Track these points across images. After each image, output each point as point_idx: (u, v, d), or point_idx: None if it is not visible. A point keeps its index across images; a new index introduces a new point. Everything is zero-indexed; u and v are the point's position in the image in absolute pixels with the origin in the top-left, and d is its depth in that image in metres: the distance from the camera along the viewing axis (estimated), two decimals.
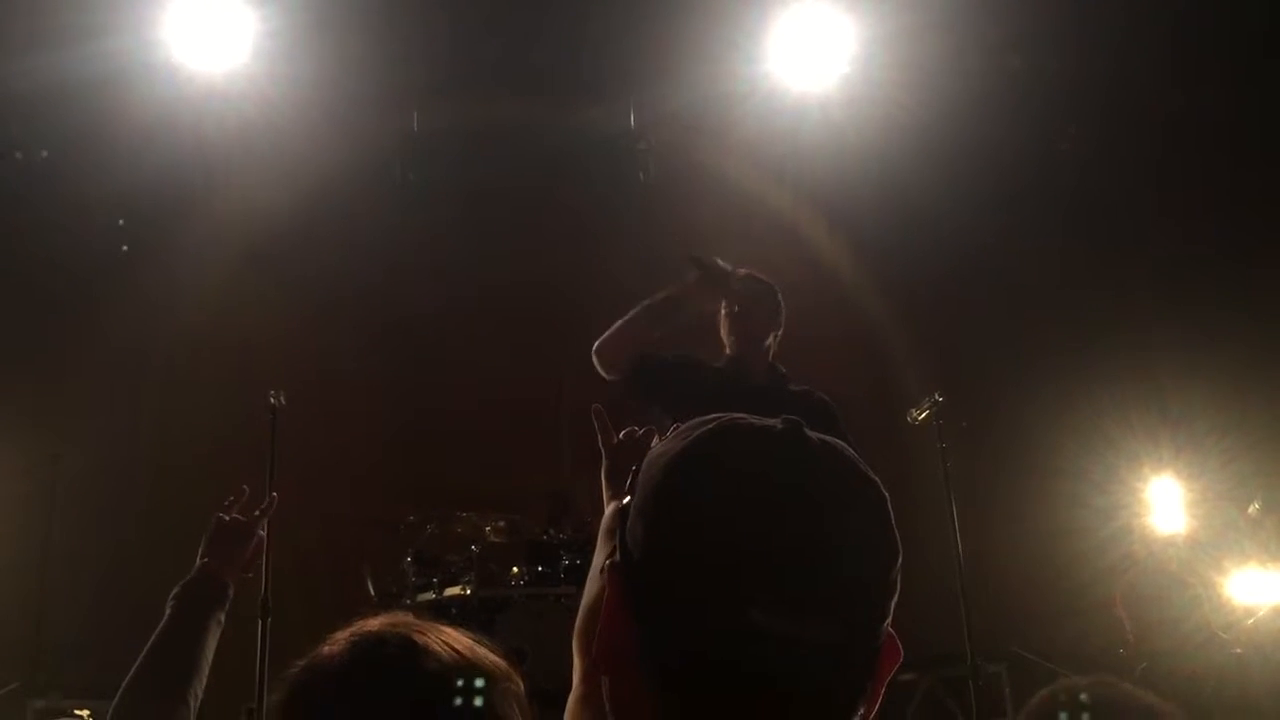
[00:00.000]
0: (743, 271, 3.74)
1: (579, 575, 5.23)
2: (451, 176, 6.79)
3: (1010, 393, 6.47)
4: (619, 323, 3.59)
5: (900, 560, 0.89)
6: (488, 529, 5.53)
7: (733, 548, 0.84)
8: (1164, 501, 5.89)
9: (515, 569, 5.33)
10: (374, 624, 1.25)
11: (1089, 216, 6.79)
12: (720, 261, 3.63)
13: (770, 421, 0.92)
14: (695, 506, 0.87)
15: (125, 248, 6.44)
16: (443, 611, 4.96)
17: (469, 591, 5.22)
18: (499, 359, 6.51)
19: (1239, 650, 4.89)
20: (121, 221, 6.40)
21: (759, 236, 6.56)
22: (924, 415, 4.40)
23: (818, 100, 6.41)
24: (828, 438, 0.92)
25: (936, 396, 4.37)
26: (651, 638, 0.87)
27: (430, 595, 5.27)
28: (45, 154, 6.07)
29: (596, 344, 3.59)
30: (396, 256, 6.70)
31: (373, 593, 5.37)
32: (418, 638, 1.21)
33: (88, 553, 6.13)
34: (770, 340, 3.73)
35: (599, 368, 3.57)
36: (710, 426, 0.93)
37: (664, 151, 6.77)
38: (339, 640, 1.22)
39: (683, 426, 0.95)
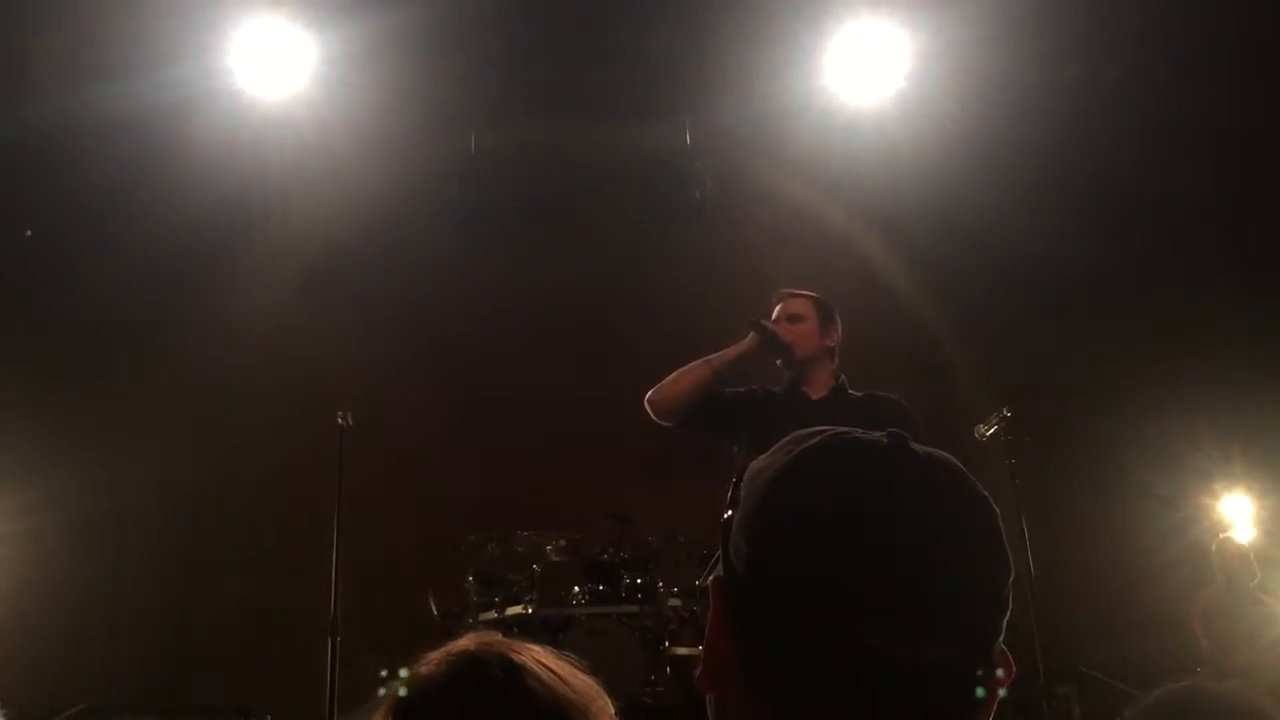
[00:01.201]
0: (786, 296, 3.81)
1: (639, 594, 5.22)
2: (509, 196, 6.84)
3: (1076, 408, 6.37)
4: (674, 375, 3.67)
5: (1013, 576, 0.87)
6: (548, 548, 5.53)
7: (841, 564, 0.82)
8: (1236, 517, 5.77)
9: (576, 588, 5.33)
10: (467, 644, 1.25)
11: (1154, 228, 6.68)
12: (772, 326, 3.70)
13: (876, 435, 0.90)
14: (801, 522, 0.85)
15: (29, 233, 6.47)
16: (505, 631, 4.96)
17: (530, 610, 5.23)
18: (558, 378, 6.53)
19: None
20: (29, 232, 6.43)
21: (814, 251, 6.54)
22: (992, 431, 4.33)
23: (872, 115, 6.39)
24: (934, 451, 0.91)
25: (1005, 411, 4.30)
26: (757, 654, 0.85)
27: (492, 614, 5.28)
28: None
29: (651, 393, 3.67)
30: (455, 277, 6.75)
31: (435, 612, 5.38)
32: (515, 657, 1.21)
33: (156, 575, 6.22)
34: (823, 354, 3.75)
35: (652, 414, 3.66)
36: (814, 441, 0.90)
37: (719, 168, 6.77)
38: (435, 660, 1.22)
39: (785, 440, 0.93)
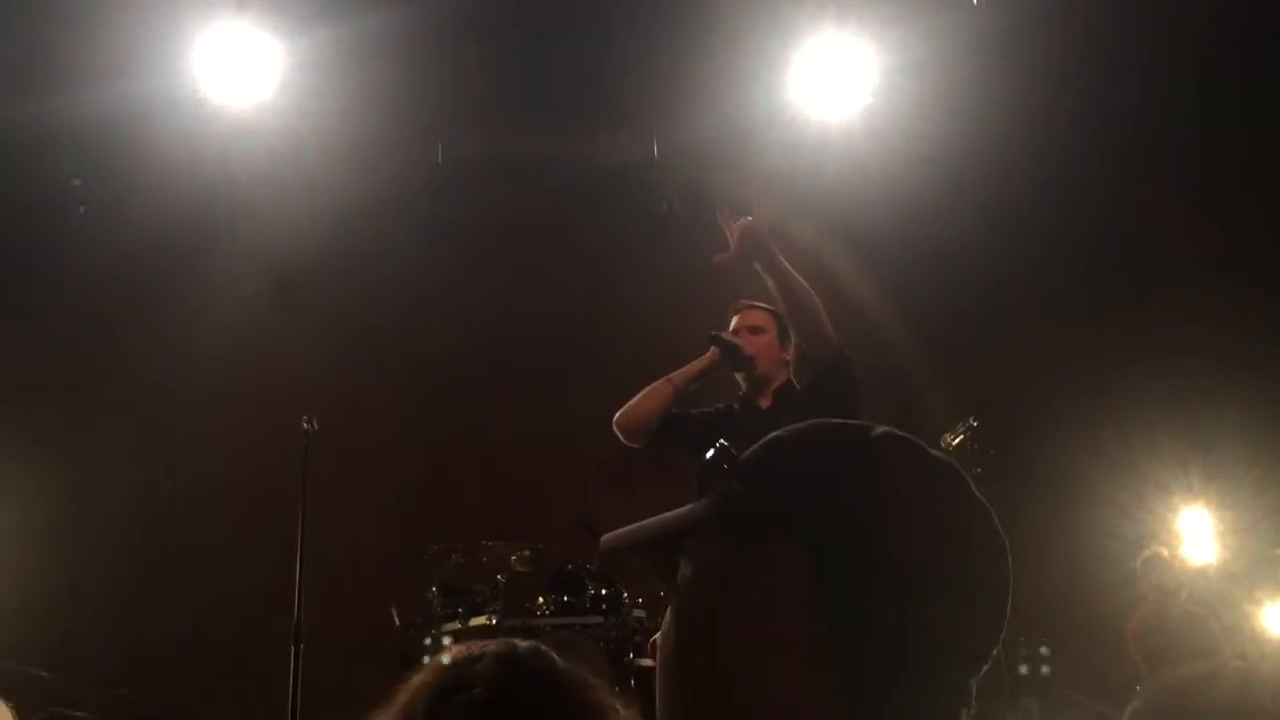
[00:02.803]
0: (744, 307, 3.82)
1: (604, 605, 5.22)
2: (476, 208, 6.84)
3: (1037, 422, 6.44)
4: (639, 397, 3.72)
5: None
6: (513, 558, 5.52)
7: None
8: (1195, 531, 5.85)
9: (541, 599, 5.32)
10: (500, 642, 1.26)
11: (1117, 246, 6.77)
12: (733, 339, 3.70)
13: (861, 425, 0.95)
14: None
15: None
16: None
17: (494, 621, 5.21)
18: (523, 389, 6.53)
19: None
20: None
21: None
22: (958, 440, 4.39)
23: (840, 131, 6.42)
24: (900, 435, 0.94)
25: (971, 421, 4.36)
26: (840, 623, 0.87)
27: (455, 625, 5.26)
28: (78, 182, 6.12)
29: (618, 416, 3.72)
30: (421, 288, 6.73)
31: (398, 622, 5.36)
32: (549, 654, 1.25)
33: (111, 584, 6.14)
34: (781, 366, 3.77)
35: (621, 437, 3.70)
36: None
37: (686, 182, 6.80)
38: (460, 652, 1.24)
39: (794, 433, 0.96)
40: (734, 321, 3.87)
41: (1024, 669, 5.48)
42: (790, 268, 3.52)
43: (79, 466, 6.15)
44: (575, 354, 6.69)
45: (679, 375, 3.76)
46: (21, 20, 5.52)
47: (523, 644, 1.26)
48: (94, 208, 6.18)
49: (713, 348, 3.76)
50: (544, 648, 1.26)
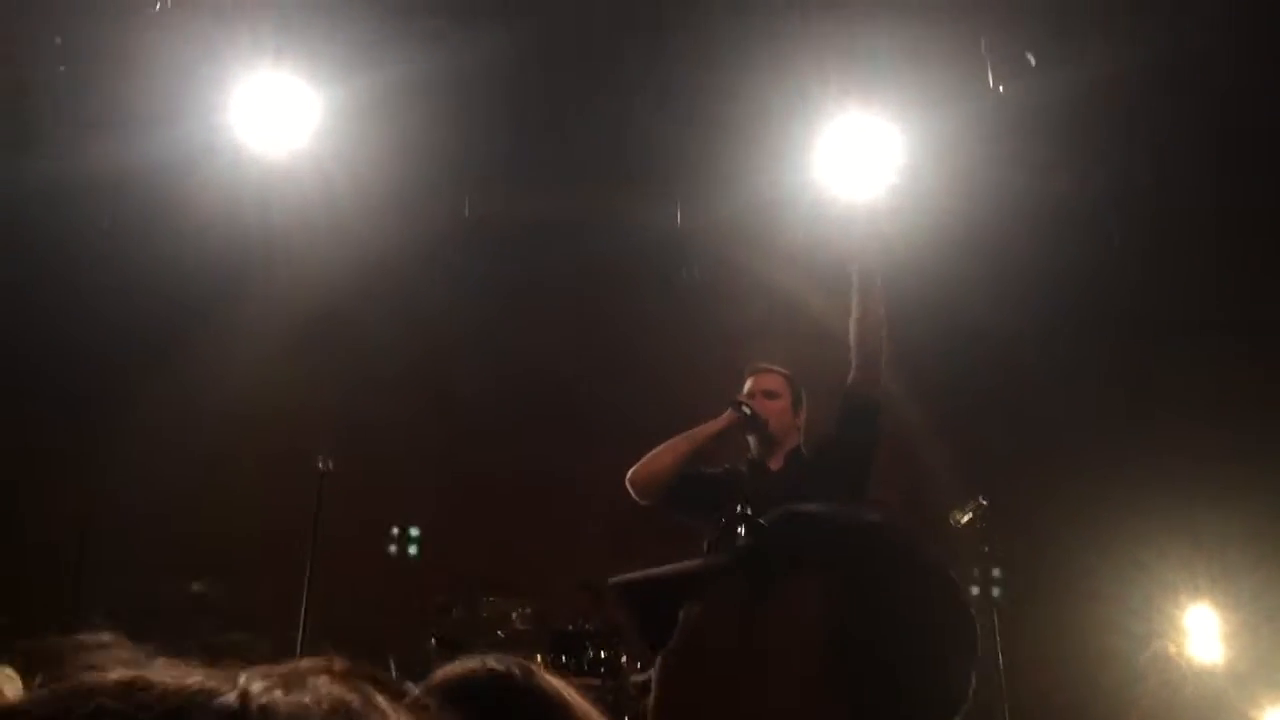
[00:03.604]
0: (759, 370, 3.87)
1: (602, 667, 5.20)
2: (500, 263, 6.93)
3: (1044, 513, 6.42)
4: (654, 453, 3.73)
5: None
6: (514, 615, 5.52)
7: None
8: (1201, 630, 5.79)
9: (539, 657, 5.30)
10: (480, 660, 1.29)
11: (1134, 333, 6.78)
12: (755, 407, 3.75)
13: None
14: None
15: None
16: None
17: None
18: (537, 445, 6.57)
19: None
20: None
21: (799, 339, 6.61)
22: (967, 518, 4.38)
23: (865, 209, 6.48)
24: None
25: (981, 500, 4.35)
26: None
27: None
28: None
29: (633, 472, 3.73)
30: (443, 338, 6.81)
31: (394, 675, 5.34)
32: (531, 666, 1.26)
33: (118, 614, 6.15)
34: (793, 431, 3.81)
35: (633, 493, 3.70)
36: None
37: (709, 253, 6.88)
38: (449, 669, 1.26)
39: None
40: (749, 384, 3.92)
41: None
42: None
43: (91, 495, 6.20)
44: (591, 413, 6.74)
45: (697, 434, 3.79)
46: (65, 67, 5.65)
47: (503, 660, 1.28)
48: (128, 253, 6.26)
49: (730, 410, 3.79)
50: (525, 665, 1.28)
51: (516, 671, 1.24)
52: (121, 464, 6.33)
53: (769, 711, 0.94)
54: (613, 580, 1.09)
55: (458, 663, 1.27)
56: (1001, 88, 5.41)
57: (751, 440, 3.85)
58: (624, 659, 5.25)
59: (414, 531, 6.32)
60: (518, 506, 6.59)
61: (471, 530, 6.55)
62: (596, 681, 5.16)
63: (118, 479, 6.32)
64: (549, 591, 5.74)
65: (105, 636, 0.54)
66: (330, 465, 4.65)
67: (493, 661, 1.26)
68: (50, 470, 6.23)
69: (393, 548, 6.15)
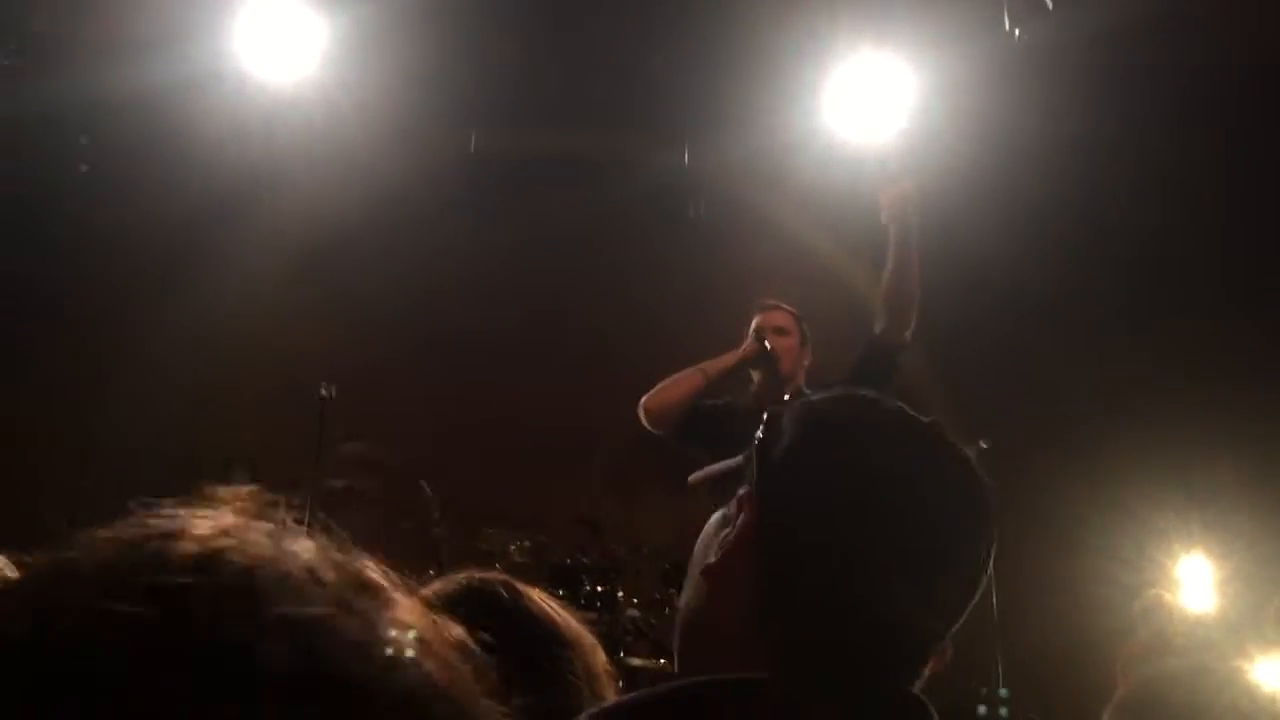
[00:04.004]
0: (768, 307, 3.85)
1: (599, 602, 5.26)
2: (505, 199, 6.89)
3: (1039, 460, 6.44)
4: (668, 382, 3.71)
5: (994, 539, 1.02)
6: (512, 548, 5.57)
7: (856, 519, 0.96)
8: (1194, 579, 5.84)
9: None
10: (470, 574, 1.30)
11: (1137, 280, 6.76)
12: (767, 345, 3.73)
13: (920, 419, 1.06)
14: (836, 479, 0.98)
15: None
16: None
17: None
18: (537, 380, 6.58)
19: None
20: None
21: (807, 282, 6.59)
22: None
23: (875, 151, 6.42)
24: (962, 448, 1.05)
25: (981, 444, 4.34)
26: (773, 574, 0.97)
27: None
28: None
29: (645, 400, 3.70)
30: (446, 271, 6.79)
31: None
32: (519, 585, 1.27)
33: None
34: (800, 371, 3.81)
35: (645, 422, 3.69)
36: (869, 408, 1.07)
37: (717, 192, 6.83)
38: (439, 584, 1.27)
39: (837, 396, 1.08)
40: (756, 320, 3.89)
41: (982, 709, 5.48)
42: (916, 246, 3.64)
43: (83, 428, 6.23)
44: (593, 350, 6.74)
45: (711, 366, 3.77)
46: None
47: (488, 578, 1.30)
48: (129, 178, 6.23)
49: (748, 345, 3.77)
50: (509, 582, 1.29)
51: (501, 588, 1.26)
52: (120, 389, 6.35)
53: (710, 606, 1.00)
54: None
55: (445, 578, 1.29)
56: (1018, 31, 5.32)
57: (756, 376, 3.83)
58: (620, 594, 5.31)
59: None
60: (520, 442, 6.62)
61: (472, 465, 6.59)
62: (593, 615, 5.22)
63: (116, 404, 6.34)
64: (548, 525, 5.79)
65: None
66: (333, 393, 4.67)
67: (478, 577, 1.28)
68: (49, 394, 6.26)
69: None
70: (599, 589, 5.30)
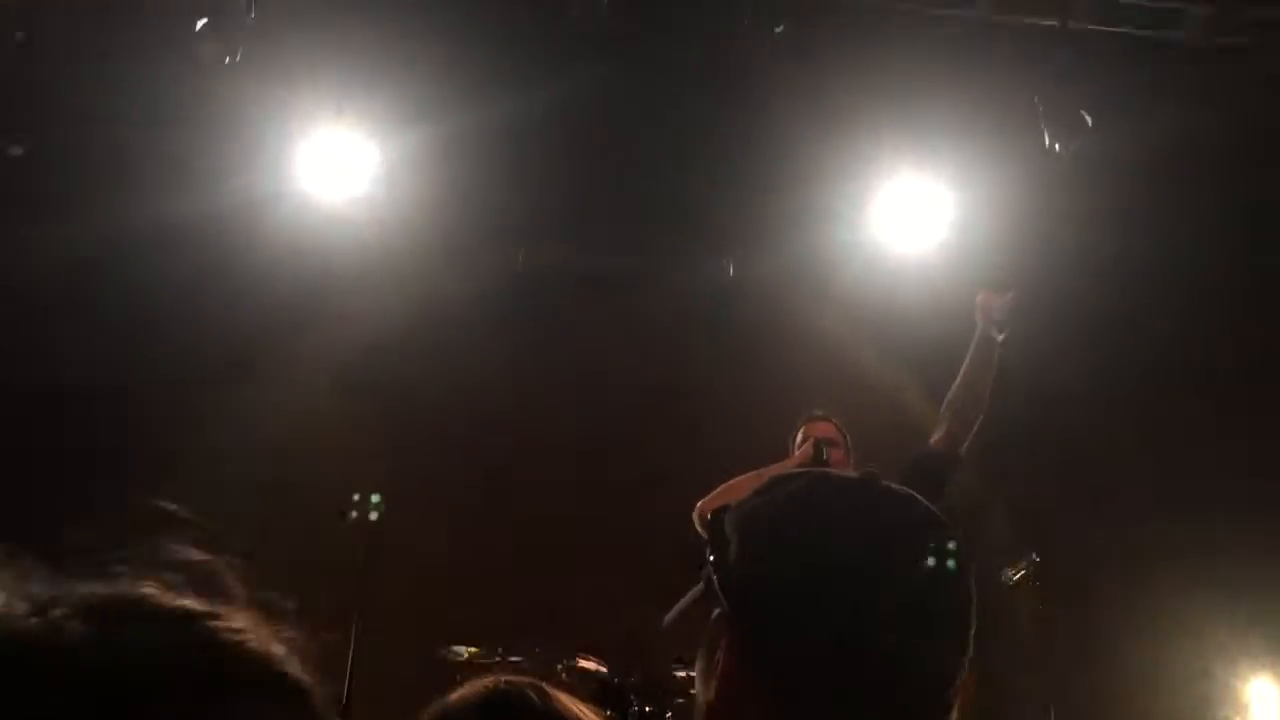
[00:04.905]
0: (817, 418, 3.84)
1: None
2: (552, 316, 6.99)
3: (1099, 575, 6.30)
4: (725, 486, 3.69)
5: (974, 603, 0.99)
6: (559, 667, 5.48)
7: (834, 581, 0.95)
8: (1262, 702, 5.63)
9: None
10: (496, 678, 1.28)
11: (1193, 395, 6.68)
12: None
13: (850, 474, 1.06)
14: (791, 549, 0.97)
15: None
16: None
17: None
18: (587, 496, 6.58)
19: None
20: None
21: (849, 390, 6.58)
22: (1019, 575, 4.29)
23: (917, 261, 6.48)
24: (899, 487, 1.04)
25: (1034, 556, 4.26)
26: (765, 671, 0.96)
27: None
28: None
29: (702, 504, 3.68)
30: (494, 390, 6.86)
31: None
32: (548, 688, 1.26)
33: None
34: None
35: (700, 527, 3.65)
36: (801, 480, 1.04)
37: (760, 303, 6.89)
38: (467, 690, 1.25)
39: (764, 484, 1.07)
40: (802, 431, 3.88)
41: None
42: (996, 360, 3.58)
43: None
44: (641, 465, 6.73)
45: (769, 472, 3.74)
46: (159, 125, 5.86)
47: (516, 681, 1.28)
48: (202, 292, 6.45)
49: (805, 452, 3.74)
50: (538, 685, 1.28)
51: (530, 691, 1.25)
52: (180, 491, 6.40)
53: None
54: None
55: (473, 682, 1.28)
56: (1058, 147, 5.39)
57: None
58: (669, 715, 5.21)
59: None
60: (566, 555, 6.58)
61: (517, 578, 6.55)
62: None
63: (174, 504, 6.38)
64: (594, 643, 5.71)
65: None
66: (378, 512, 4.68)
67: (506, 680, 1.27)
68: (109, 498, 6.33)
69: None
70: (647, 710, 5.19)
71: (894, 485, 1.03)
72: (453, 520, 6.68)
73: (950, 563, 0.98)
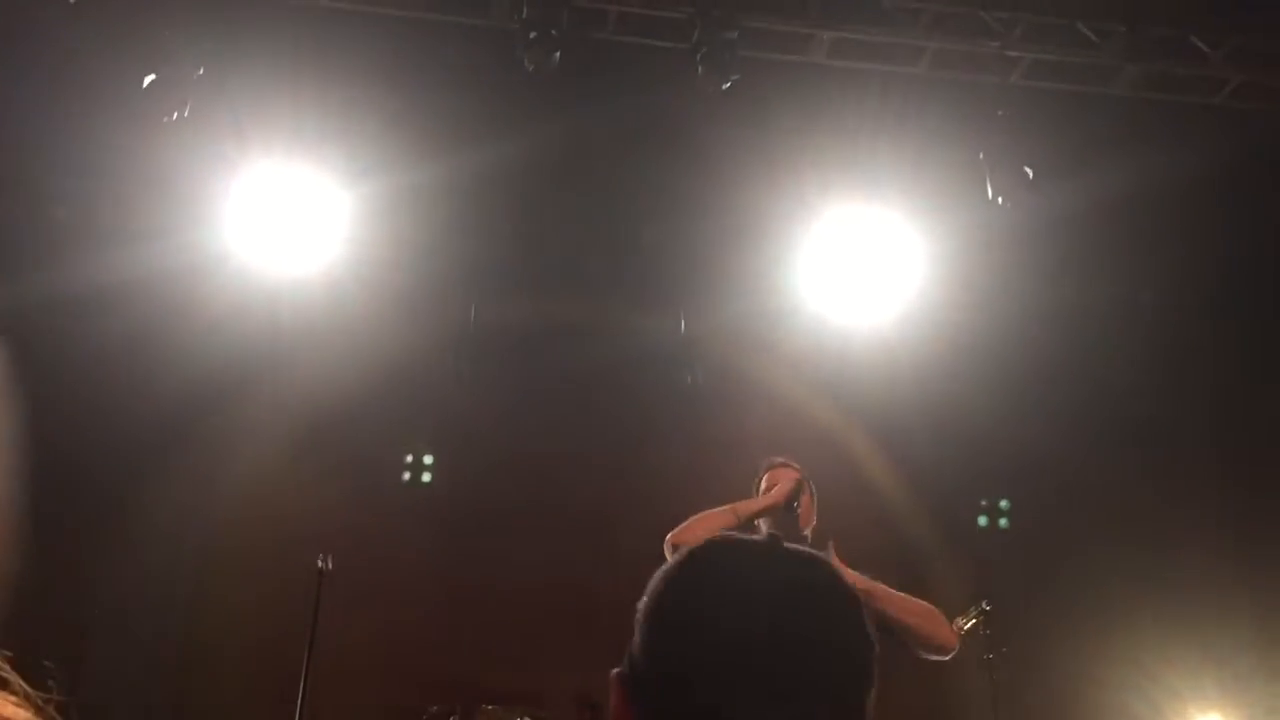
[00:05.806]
0: (777, 465, 3.81)
1: None
2: (504, 371, 6.96)
3: (1049, 620, 6.32)
4: (697, 519, 3.61)
5: (875, 654, 0.98)
6: None
7: (715, 647, 0.94)
8: None
9: None
10: None
11: (1146, 444, 6.76)
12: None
13: (754, 537, 1.05)
14: (685, 613, 0.98)
15: None
16: None
17: None
18: (539, 553, 6.52)
19: None
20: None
21: (803, 446, 6.59)
22: (969, 624, 4.28)
23: (867, 316, 6.53)
24: (804, 549, 1.04)
25: (984, 605, 4.26)
26: None
27: None
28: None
29: (672, 536, 3.60)
30: (446, 443, 6.81)
31: None
32: None
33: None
34: (809, 526, 3.74)
35: (670, 557, 3.58)
36: (701, 544, 1.04)
37: (712, 359, 6.91)
38: None
39: (682, 550, 1.06)
40: (764, 479, 3.84)
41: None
42: (888, 591, 3.50)
43: (83, 597, 6.13)
44: (593, 518, 6.69)
45: (742, 507, 3.66)
46: (77, 183, 5.79)
47: None
48: (142, 357, 6.34)
49: (783, 490, 3.68)
50: None
51: None
52: (123, 561, 6.27)
53: None
54: None
55: None
56: (1000, 199, 5.48)
57: (764, 527, 3.75)
58: None
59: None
60: (519, 613, 6.50)
61: (470, 637, 6.46)
62: None
63: (120, 576, 6.26)
64: (549, 702, 5.62)
65: None
66: (330, 565, 4.61)
67: None
68: (53, 570, 6.17)
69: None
70: None
71: (798, 549, 1.03)
72: (401, 576, 6.59)
73: (850, 628, 0.98)
